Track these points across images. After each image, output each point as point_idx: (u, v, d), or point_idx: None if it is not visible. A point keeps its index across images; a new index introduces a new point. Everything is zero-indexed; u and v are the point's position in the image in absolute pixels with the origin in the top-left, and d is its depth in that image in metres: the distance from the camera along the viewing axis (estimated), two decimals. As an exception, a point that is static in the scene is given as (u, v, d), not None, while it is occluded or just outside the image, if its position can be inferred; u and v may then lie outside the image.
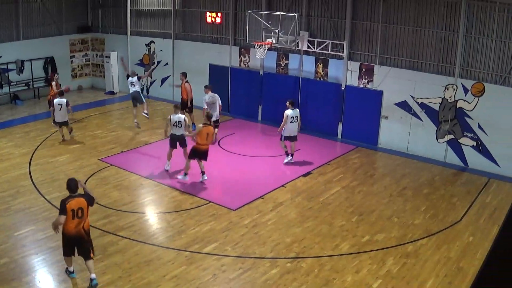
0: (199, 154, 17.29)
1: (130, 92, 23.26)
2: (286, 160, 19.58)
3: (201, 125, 17.14)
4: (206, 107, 20.79)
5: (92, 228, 13.83)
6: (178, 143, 18.20)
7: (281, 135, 19.22)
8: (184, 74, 23.28)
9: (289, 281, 11.90)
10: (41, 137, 21.60)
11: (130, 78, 23.27)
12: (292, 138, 19.26)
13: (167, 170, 18.35)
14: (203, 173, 17.51)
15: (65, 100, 20.89)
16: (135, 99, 23.13)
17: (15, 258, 12.33)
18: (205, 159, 17.49)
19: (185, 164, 17.68)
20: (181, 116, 17.91)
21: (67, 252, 11.34)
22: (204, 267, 12.34)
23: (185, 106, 22.55)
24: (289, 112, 18.87)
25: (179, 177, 17.69)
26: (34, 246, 12.91)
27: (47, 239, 13.20)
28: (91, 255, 11.31)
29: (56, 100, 21.06)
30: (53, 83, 23.64)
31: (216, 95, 21.39)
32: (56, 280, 11.62)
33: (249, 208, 15.75)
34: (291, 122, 18.92)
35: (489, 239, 14.17)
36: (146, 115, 23.13)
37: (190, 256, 12.80)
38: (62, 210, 10.77)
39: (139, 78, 23.58)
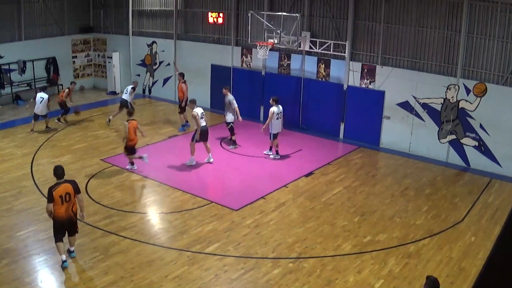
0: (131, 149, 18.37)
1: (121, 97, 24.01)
2: (272, 156, 20.09)
3: (126, 122, 17.96)
4: (236, 105, 21.08)
5: (94, 228, 13.95)
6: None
7: (270, 134, 19.69)
8: (182, 75, 23.55)
9: (291, 281, 11.90)
10: (43, 138, 21.62)
11: (127, 87, 24.19)
12: (277, 135, 19.85)
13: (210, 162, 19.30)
14: (132, 163, 18.60)
15: (47, 96, 22.23)
16: (124, 106, 23.46)
17: (17, 258, 12.35)
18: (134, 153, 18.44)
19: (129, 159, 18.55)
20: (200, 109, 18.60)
21: (60, 237, 11.88)
22: (206, 267, 12.35)
23: (179, 105, 23.32)
24: (274, 109, 19.42)
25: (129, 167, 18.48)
26: (36, 247, 12.92)
27: (49, 240, 13.18)
28: (77, 230, 12.34)
29: (39, 94, 22.36)
30: (67, 89, 24.01)
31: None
32: (58, 280, 11.63)
33: (251, 208, 15.75)
34: (277, 118, 19.47)
35: (491, 239, 14.16)
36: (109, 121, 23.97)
37: (192, 256, 12.81)
38: (50, 197, 11.48)
39: (134, 89, 24.16)
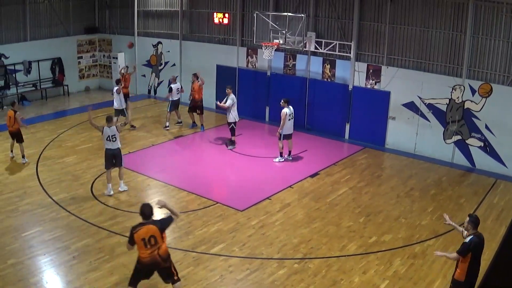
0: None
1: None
2: (277, 160, 19.92)
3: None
4: (231, 104, 20.83)
5: (100, 228, 13.96)
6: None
7: (280, 134, 19.45)
8: (195, 75, 23.59)
9: (296, 281, 11.90)
10: (49, 138, 21.67)
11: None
12: (289, 136, 19.71)
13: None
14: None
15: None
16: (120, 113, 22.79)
17: (22, 259, 12.38)
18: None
19: None
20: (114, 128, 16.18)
21: (134, 282, 10.31)
22: (212, 268, 12.36)
23: (199, 107, 23.49)
24: (286, 110, 19.24)
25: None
26: (41, 247, 12.95)
27: (54, 240, 13.25)
28: (175, 277, 10.43)
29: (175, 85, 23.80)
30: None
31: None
32: (63, 281, 11.66)
33: (256, 209, 15.76)
34: (289, 120, 19.35)
35: (496, 240, 14.11)
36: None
37: (198, 257, 12.82)
38: (130, 239, 9.91)
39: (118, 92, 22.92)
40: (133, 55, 30.15)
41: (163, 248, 10.03)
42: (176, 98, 23.85)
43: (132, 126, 23.34)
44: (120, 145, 16.40)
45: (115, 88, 22.72)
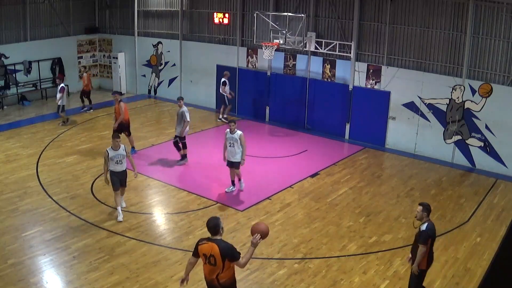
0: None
1: None
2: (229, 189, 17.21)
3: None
4: (189, 120, 18.82)
5: (100, 228, 13.96)
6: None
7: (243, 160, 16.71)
8: (118, 93, 20.87)
9: (296, 281, 11.90)
10: (49, 138, 21.67)
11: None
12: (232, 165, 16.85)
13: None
14: None
15: None
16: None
17: (22, 259, 12.38)
18: None
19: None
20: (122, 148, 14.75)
21: None
22: (212, 267, 12.35)
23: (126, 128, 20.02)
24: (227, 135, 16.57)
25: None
26: (41, 247, 12.95)
27: (54, 240, 13.25)
28: None
29: None
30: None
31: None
32: (63, 281, 11.65)
33: (256, 209, 15.76)
34: (229, 145, 16.49)
35: (496, 240, 14.13)
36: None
37: (198, 257, 12.80)
38: (194, 251, 9.12)
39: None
40: (133, 55, 30.16)
41: (224, 274, 8.79)
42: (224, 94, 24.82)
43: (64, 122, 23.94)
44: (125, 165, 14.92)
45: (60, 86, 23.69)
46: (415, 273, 10.31)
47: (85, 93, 26.52)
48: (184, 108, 18.75)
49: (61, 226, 14.06)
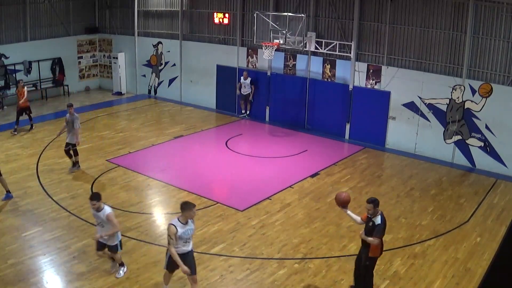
0: None
1: None
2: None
3: None
4: (79, 127, 18.06)
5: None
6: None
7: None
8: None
9: (296, 281, 11.90)
10: (49, 138, 21.64)
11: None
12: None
13: None
14: None
15: None
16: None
17: (22, 259, 12.37)
18: None
19: None
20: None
21: None
22: (212, 268, 12.36)
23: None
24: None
25: None
26: (41, 247, 12.94)
27: (54, 240, 13.25)
28: None
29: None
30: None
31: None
32: (63, 281, 11.65)
33: (256, 209, 15.75)
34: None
35: (496, 240, 14.13)
36: None
37: (198, 257, 12.76)
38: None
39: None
40: (133, 55, 30.17)
41: None
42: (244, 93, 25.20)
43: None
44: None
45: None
46: (366, 263, 10.85)
47: (25, 109, 22.59)
48: (75, 115, 17.89)
49: (61, 226, 14.05)
